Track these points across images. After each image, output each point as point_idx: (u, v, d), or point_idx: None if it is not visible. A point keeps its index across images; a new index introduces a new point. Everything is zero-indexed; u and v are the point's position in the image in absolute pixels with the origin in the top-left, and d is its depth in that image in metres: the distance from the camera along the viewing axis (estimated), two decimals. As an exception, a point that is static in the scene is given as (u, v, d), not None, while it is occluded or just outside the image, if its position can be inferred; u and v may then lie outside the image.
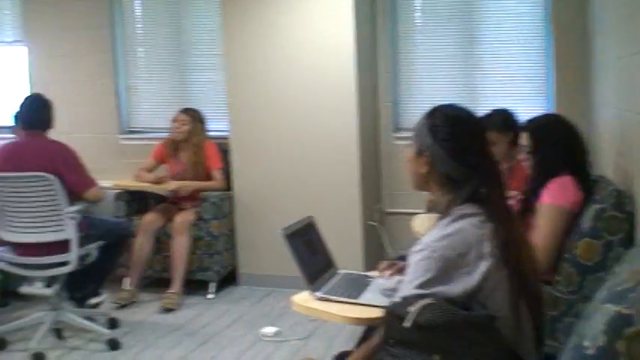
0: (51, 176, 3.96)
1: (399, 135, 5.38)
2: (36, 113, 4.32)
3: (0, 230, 4.17)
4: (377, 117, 5.41)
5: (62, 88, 6.10)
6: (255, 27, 5.14)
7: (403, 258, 2.21)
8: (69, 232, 4.05)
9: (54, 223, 4.06)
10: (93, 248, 4.24)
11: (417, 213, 3.96)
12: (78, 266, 4.14)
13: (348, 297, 2.33)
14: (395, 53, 5.38)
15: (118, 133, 6.07)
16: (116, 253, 4.66)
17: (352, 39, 4.91)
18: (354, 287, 2.43)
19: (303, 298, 2.37)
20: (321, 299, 2.34)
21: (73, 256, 4.06)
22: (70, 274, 4.21)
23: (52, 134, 5.33)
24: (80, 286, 4.56)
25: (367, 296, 2.33)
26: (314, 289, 2.37)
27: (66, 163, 4.12)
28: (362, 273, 2.66)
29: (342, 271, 2.61)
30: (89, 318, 4.42)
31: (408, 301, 1.87)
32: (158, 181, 5.23)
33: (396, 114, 5.45)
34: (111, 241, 4.44)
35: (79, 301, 4.62)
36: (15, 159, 4.13)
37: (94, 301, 4.69)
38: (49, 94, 6.02)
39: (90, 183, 4.23)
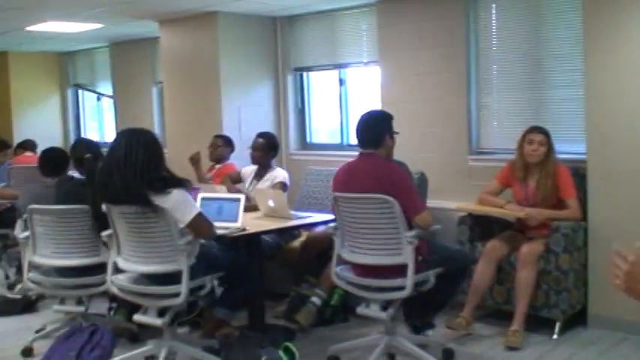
0: (391, 199, 3.86)
1: None
2: (367, 131, 4.22)
3: (342, 248, 4.19)
4: None
5: (412, 107, 6.09)
6: (625, 36, 4.54)
7: None
8: (406, 256, 3.90)
9: (392, 246, 3.95)
10: (431, 275, 4.04)
11: None
12: (414, 292, 3.99)
13: None
14: None
15: (468, 153, 5.85)
16: (455, 282, 4.38)
17: None
18: None
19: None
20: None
21: (409, 282, 3.90)
22: (409, 300, 4.10)
23: (402, 153, 5.33)
24: (418, 314, 4.41)
25: None
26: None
27: (398, 186, 3.97)
28: None
29: None
30: (423, 346, 4.25)
31: None
32: (506, 207, 4.88)
33: None
34: (451, 269, 4.19)
35: (417, 329, 4.47)
36: (350, 179, 4.13)
37: (430, 333, 4.50)
38: (398, 114, 6.10)
39: (421, 207, 4.03)
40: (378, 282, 4.03)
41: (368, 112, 4.35)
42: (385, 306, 4.07)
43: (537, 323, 4.69)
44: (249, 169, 5.96)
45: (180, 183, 3.91)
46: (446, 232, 5.19)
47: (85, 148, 4.72)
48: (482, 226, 5.12)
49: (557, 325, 4.66)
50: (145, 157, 3.82)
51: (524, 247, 4.70)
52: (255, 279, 4.46)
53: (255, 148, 5.80)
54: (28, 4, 6.36)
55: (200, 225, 3.91)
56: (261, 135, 5.91)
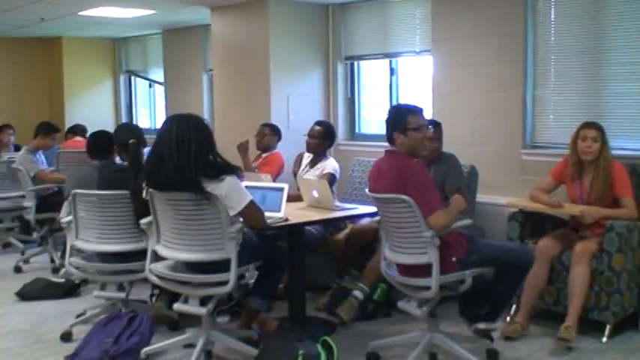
0: (407, 198, 3.74)
1: None
2: (388, 125, 4.07)
3: (386, 243, 4.10)
4: None
5: (464, 98, 5.94)
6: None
7: None
8: (431, 256, 3.77)
9: (417, 245, 3.85)
10: (467, 275, 3.86)
11: None
12: (452, 292, 3.90)
13: None
14: None
15: (521, 147, 5.66)
16: (509, 280, 4.10)
17: None
18: None
19: None
20: None
21: (433, 282, 3.77)
22: (464, 295, 3.99)
23: (452, 146, 5.19)
24: (472, 305, 4.24)
25: None
26: None
27: (410, 184, 3.81)
28: None
29: None
30: (470, 342, 4.14)
31: None
32: (558, 204, 4.68)
33: None
34: (502, 268, 3.97)
35: (470, 319, 4.26)
36: (376, 177, 4.06)
37: (481, 326, 4.22)
38: (450, 105, 5.97)
39: (434, 207, 3.80)
40: (413, 281, 3.95)
41: (396, 103, 4.23)
42: (422, 304, 3.98)
43: (587, 325, 4.49)
44: (306, 156, 5.89)
45: (233, 170, 3.84)
46: (496, 229, 5.05)
47: (128, 133, 4.67)
48: (533, 223, 4.94)
49: (607, 328, 4.45)
50: (197, 142, 3.74)
51: (578, 246, 4.51)
52: (297, 270, 4.39)
53: (311, 135, 5.71)
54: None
55: (252, 213, 3.86)
56: (319, 123, 5.84)
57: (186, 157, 3.70)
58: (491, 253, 4.00)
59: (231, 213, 3.77)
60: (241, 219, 3.86)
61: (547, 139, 5.62)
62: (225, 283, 3.84)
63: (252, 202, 3.84)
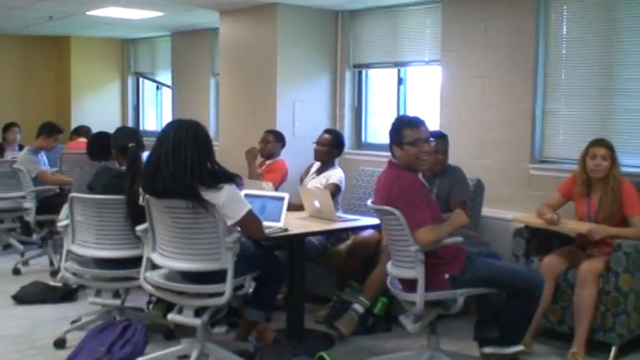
0: (395, 211, 3.68)
1: None
2: (389, 136, 4.00)
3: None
4: None
5: (473, 110, 5.84)
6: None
7: None
8: (417, 271, 3.70)
9: (406, 259, 3.78)
10: (458, 294, 3.76)
11: None
12: (439, 311, 3.83)
13: None
14: None
15: (529, 162, 5.55)
16: (520, 305, 3.94)
17: None
18: None
19: None
20: None
21: (418, 299, 3.71)
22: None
23: (458, 158, 5.09)
24: (483, 328, 4.12)
25: None
26: None
27: (397, 197, 3.75)
28: None
29: None
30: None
31: None
32: (552, 221, 4.55)
33: None
34: (509, 291, 3.88)
35: (481, 342, 4.13)
36: (377, 188, 4.02)
37: (488, 350, 4.05)
38: (458, 117, 5.87)
39: (420, 222, 3.70)
40: (404, 295, 3.89)
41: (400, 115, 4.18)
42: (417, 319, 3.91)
43: (591, 346, 4.37)
44: (316, 164, 5.81)
45: (232, 178, 3.76)
46: (501, 244, 4.95)
47: (127, 136, 4.60)
48: (539, 240, 4.83)
49: (613, 350, 4.34)
50: (194, 150, 3.67)
51: (583, 265, 4.40)
52: (296, 281, 4.34)
53: (320, 142, 5.63)
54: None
55: (250, 223, 3.79)
56: (328, 131, 5.78)
57: (182, 165, 3.64)
58: (489, 273, 3.88)
59: (229, 222, 3.70)
60: (239, 229, 3.79)
61: (556, 153, 5.51)
62: (221, 294, 3.76)
63: (250, 212, 3.76)
